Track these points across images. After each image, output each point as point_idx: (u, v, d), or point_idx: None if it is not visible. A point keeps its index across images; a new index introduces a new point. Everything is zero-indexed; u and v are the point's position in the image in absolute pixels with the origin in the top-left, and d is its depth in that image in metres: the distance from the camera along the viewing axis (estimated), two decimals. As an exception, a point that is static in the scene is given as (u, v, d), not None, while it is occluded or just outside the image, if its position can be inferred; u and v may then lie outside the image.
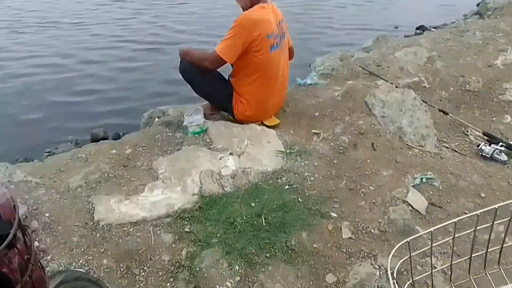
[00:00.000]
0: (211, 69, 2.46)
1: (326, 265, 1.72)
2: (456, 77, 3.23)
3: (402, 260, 0.93)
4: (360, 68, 3.21)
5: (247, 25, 2.24)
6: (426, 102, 2.84)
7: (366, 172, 2.22)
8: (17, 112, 4.00)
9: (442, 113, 2.82)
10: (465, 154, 2.50)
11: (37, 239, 1.71)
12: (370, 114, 2.65)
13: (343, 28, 6.92)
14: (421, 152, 2.43)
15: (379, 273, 1.70)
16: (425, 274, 1.03)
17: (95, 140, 3.72)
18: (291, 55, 2.70)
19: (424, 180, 2.18)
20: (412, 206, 2.00)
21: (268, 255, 1.73)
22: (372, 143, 2.42)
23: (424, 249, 1.00)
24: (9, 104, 4.16)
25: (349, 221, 1.91)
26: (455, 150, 2.54)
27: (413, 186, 2.12)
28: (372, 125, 2.57)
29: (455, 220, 0.87)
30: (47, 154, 3.57)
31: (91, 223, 1.82)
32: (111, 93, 4.44)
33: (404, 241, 0.85)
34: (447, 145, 2.59)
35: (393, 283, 0.84)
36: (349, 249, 1.79)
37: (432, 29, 6.59)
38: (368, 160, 2.30)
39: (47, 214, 1.83)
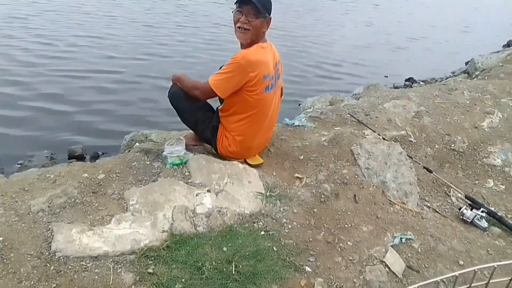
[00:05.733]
0: (201, 99, 2.40)
1: (295, 326, 1.61)
2: (442, 135, 3.24)
3: None
4: (349, 115, 3.20)
5: (245, 65, 2.18)
6: (411, 158, 2.82)
7: (346, 225, 2.15)
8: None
9: (426, 170, 2.80)
10: (446, 216, 2.46)
11: (-16, 266, 1.56)
12: (355, 164, 2.61)
13: (336, 71, 7.04)
14: (402, 209, 2.38)
15: None
16: None
17: (72, 158, 3.58)
18: (281, 95, 2.66)
19: (403, 240, 2.11)
20: (389, 268, 1.92)
21: (234, 308, 1.61)
22: (355, 195, 2.37)
23: None
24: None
25: (323, 278, 1.82)
26: (436, 211, 2.49)
27: (391, 246, 2.05)
28: (356, 176, 2.52)
29: (436, 279, 0.93)
30: (19, 166, 3.41)
31: (46, 253, 1.68)
32: (96, 110, 4.33)
33: None
34: (429, 205, 2.54)
35: None
36: (321, 310, 1.68)
37: (421, 83, 6.77)
38: (349, 213, 2.23)
39: (1, 238, 1.68)
